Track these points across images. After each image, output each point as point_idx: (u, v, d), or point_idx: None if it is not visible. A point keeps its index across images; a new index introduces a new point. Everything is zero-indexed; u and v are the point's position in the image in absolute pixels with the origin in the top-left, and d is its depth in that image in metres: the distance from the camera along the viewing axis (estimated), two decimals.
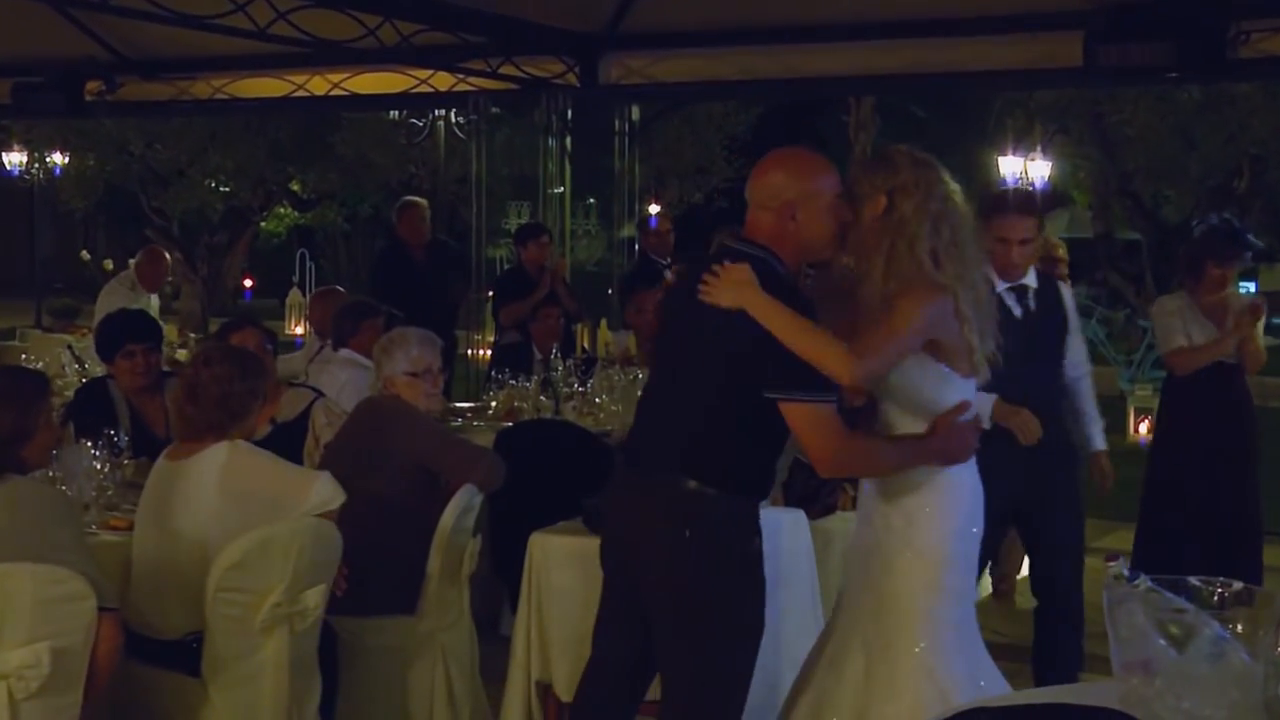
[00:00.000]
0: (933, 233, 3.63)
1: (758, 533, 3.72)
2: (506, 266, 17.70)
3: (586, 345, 8.98)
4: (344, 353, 6.61)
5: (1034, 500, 5.16)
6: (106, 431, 4.99)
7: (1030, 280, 5.17)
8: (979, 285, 3.74)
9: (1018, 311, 5.13)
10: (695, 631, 3.68)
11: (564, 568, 4.73)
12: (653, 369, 4.06)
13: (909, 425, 3.75)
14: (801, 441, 3.63)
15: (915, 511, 3.74)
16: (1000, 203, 5.17)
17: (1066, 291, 5.34)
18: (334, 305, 7.47)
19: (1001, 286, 5.09)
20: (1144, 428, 13.39)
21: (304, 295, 14.01)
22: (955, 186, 3.74)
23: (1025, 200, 5.42)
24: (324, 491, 4.36)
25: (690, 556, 3.65)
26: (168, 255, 11.25)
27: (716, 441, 3.67)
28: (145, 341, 5.77)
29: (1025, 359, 5.02)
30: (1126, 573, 2.15)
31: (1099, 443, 5.37)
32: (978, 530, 3.83)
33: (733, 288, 3.56)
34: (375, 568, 4.66)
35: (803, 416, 3.56)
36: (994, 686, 3.82)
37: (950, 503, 3.76)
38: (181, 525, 4.29)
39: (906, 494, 3.75)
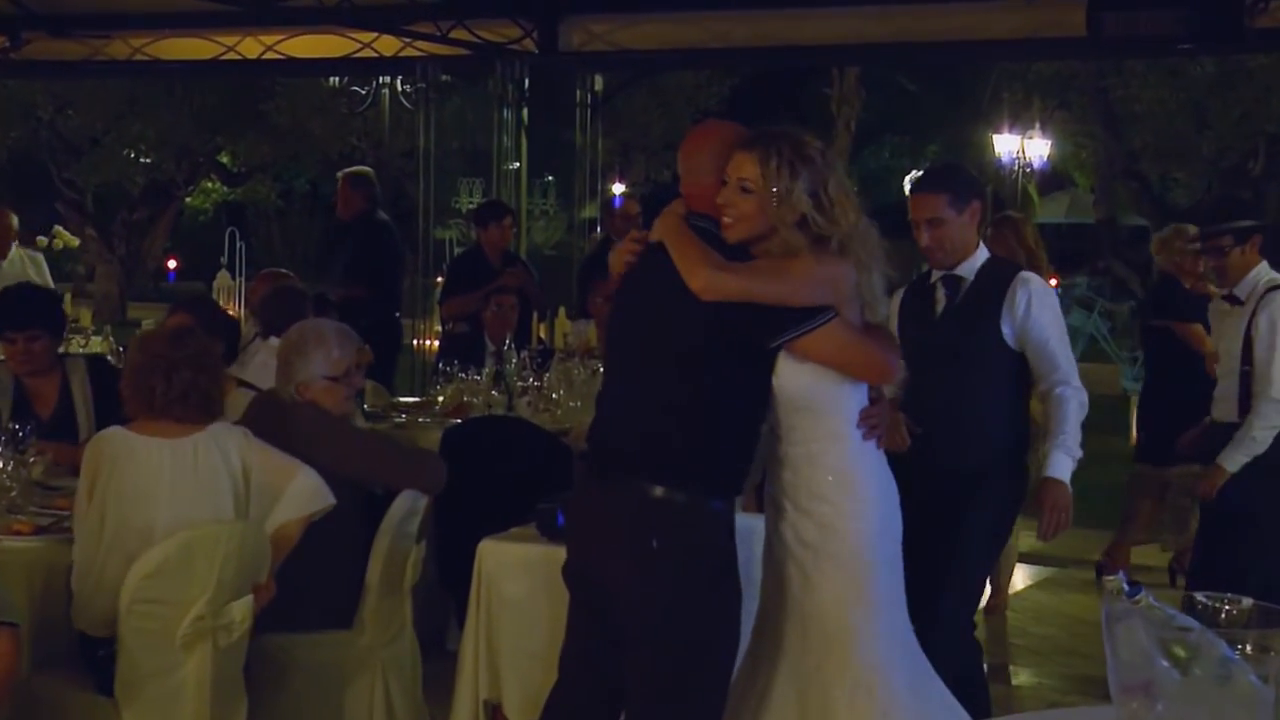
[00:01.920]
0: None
1: (731, 538, 3.78)
2: (458, 249, 17.71)
3: (543, 335, 8.95)
4: (276, 341, 6.57)
5: (938, 532, 4.56)
6: (11, 427, 4.94)
7: (966, 271, 4.85)
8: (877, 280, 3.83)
9: (940, 307, 4.90)
10: (666, 647, 3.71)
11: (516, 577, 4.73)
12: (608, 362, 4.08)
13: (811, 424, 3.80)
14: (843, 367, 3.74)
15: (831, 519, 3.79)
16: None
17: (1033, 288, 4.76)
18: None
19: (935, 277, 4.95)
20: None
21: (233, 278, 13.89)
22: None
23: (932, 174, 5.29)
24: (308, 485, 4.42)
25: (659, 569, 3.68)
26: (13, 215, 10.78)
27: (683, 438, 3.70)
28: (26, 329, 5.59)
29: (929, 363, 4.62)
30: (1126, 587, 2.16)
31: (1050, 469, 4.68)
32: (898, 530, 3.88)
33: (660, 220, 3.81)
34: (308, 578, 4.64)
35: (825, 341, 3.68)
36: (938, 699, 3.88)
37: (866, 505, 3.82)
38: (205, 508, 4.32)
39: (818, 501, 3.80)
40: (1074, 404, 4.71)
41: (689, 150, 3.91)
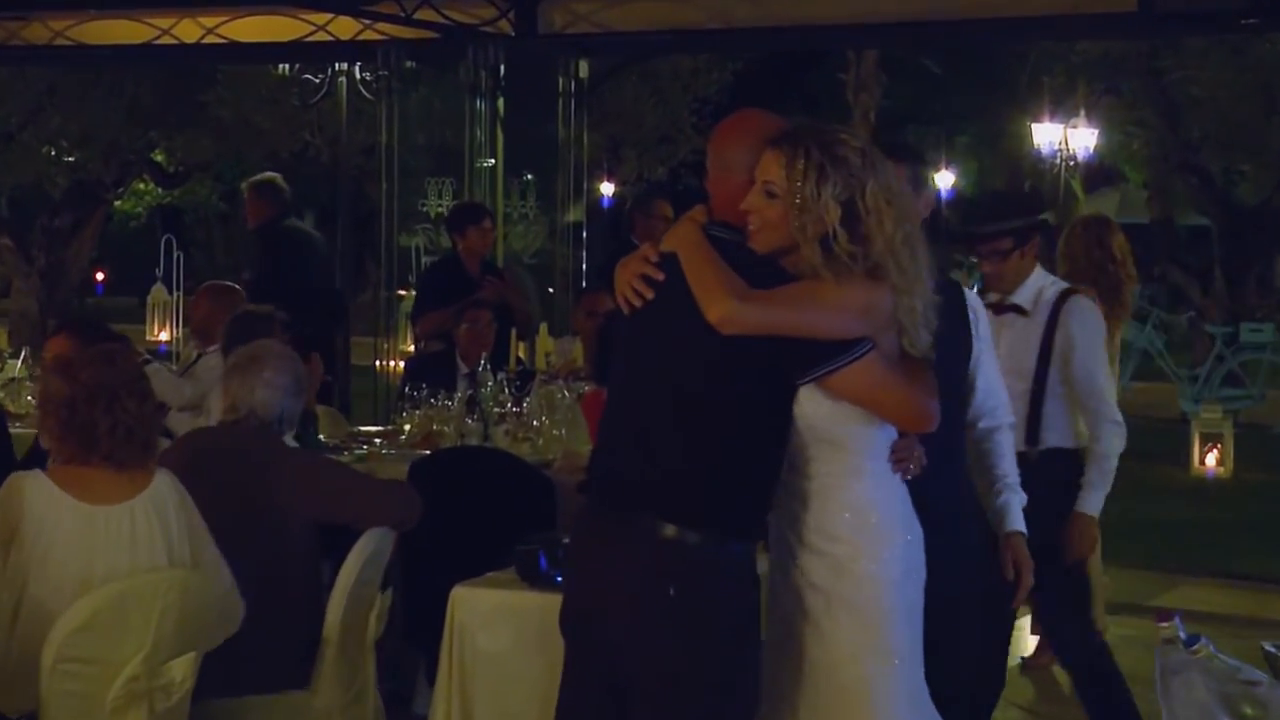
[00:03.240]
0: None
1: (755, 585, 3.81)
2: (426, 258, 17.71)
3: (523, 355, 8.97)
4: None
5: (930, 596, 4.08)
6: None
7: None
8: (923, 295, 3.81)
9: None
10: (681, 701, 3.73)
11: (493, 628, 4.74)
12: (614, 383, 4.09)
13: (830, 455, 3.83)
14: (874, 407, 3.76)
15: (846, 561, 3.80)
16: None
17: (975, 303, 4.57)
18: (227, 306, 7.45)
19: None
20: (1212, 458, 13.50)
21: (170, 292, 13.94)
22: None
23: (888, 143, 5.14)
24: (226, 582, 4.42)
25: (675, 619, 3.71)
26: None
27: (698, 473, 3.74)
28: None
29: None
30: (1183, 636, 2.16)
31: (1014, 521, 4.54)
32: (920, 576, 3.88)
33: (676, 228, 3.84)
34: (257, 632, 4.64)
35: (858, 378, 3.69)
36: None
37: (885, 547, 3.82)
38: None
39: (832, 540, 3.81)
40: (1011, 443, 4.65)
41: (718, 143, 3.93)
